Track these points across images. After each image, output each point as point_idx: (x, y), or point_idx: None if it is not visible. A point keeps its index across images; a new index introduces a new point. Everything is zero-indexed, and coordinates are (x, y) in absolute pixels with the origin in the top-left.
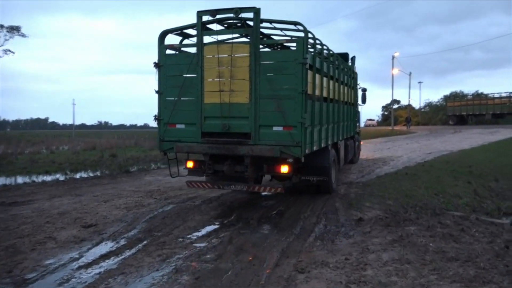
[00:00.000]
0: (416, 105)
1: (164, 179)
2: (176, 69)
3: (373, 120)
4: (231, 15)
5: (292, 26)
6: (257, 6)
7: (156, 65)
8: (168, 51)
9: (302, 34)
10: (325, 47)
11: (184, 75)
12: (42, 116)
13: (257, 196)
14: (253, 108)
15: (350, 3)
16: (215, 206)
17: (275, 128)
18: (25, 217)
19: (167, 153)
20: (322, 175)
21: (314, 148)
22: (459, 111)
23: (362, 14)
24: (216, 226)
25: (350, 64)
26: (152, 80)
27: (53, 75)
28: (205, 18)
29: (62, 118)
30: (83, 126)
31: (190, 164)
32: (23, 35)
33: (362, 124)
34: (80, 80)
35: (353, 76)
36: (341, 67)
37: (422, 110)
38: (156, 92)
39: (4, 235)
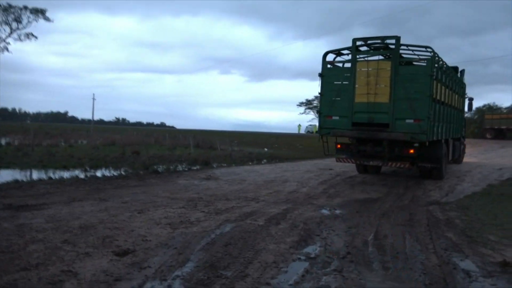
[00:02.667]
0: None
1: (201, 183)
2: (334, 78)
3: None
4: (378, 41)
5: (423, 48)
6: (398, 35)
7: (320, 75)
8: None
9: (429, 54)
10: (444, 63)
11: (340, 82)
12: (62, 110)
13: (331, 216)
14: (392, 106)
15: (368, 10)
16: (286, 229)
17: (407, 121)
18: (36, 230)
19: (323, 136)
20: (436, 163)
21: (434, 138)
22: (498, 124)
23: (379, 22)
24: (304, 263)
25: (459, 76)
26: (167, 81)
27: (72, 70)
28: (358, 43)
29: (81, 113)
30: (101, 122)
31: (338, 146)
32: (47, 19)
33: None
34: (98, 76)
35: (462, 86)
36: (453, 78)
37: None
38: (319, 93)
39: (2, 263)
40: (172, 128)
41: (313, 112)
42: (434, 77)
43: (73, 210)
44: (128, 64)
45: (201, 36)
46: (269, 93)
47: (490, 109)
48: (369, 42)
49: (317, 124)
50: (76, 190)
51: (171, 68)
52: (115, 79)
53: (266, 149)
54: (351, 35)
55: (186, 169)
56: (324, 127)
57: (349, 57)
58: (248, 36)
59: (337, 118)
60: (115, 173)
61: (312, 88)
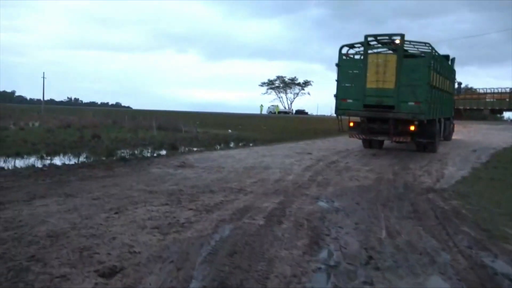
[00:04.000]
0: None
1: (177, 172)
2: (349, 67)
3: None
4: (386, 38)
5: (423, 44)
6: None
7: (337, 65)
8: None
9: (427, 49)
10: (438, 54)
11: (354, 71)
12: (8, 89)
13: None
14: (397, 91)
15: None
16: (291, 229)
17: (409, 103)
18: None
19: (339, 116)
20: (431, 138)
21: (430, 117)
22: (455, 104)
23: (334, 3)
24: (327, 275)
25: (450, 63)
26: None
27: (18, 47)
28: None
29: (29, 92)
30: (52, 101)
31: (351, 124)
32: None
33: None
34: (47, 53)
35: (452, 72)
36: (446, 67)
37: None
38: (336, 80)
39: None
40: (128, 108)
41: (275, 92)
42: (432, 67)
43: (36, 210)
44: (79, 41)
45: (154, 13)
46: (226, 72)
47: None
48: (378, 38)
49: (279, 104)
50: (35, 184)
51: (125, 46)
52: (66, 56)
53: (230, 131)
54: (306, 14)
55: (155, 155)
56: (340, 108)
57: (361, 50)
58: (202, 14)
59: (351, 101)
60: (77, 161)
61: (272, 68)
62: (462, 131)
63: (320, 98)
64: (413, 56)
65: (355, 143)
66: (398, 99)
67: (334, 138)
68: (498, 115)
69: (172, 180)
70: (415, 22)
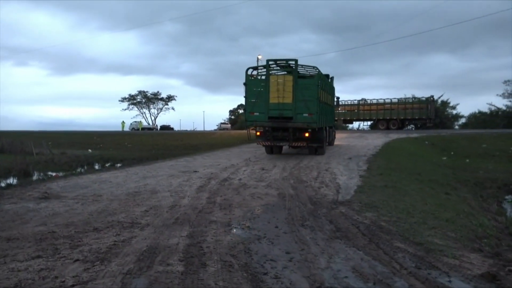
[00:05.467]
0: None
1: (40, 207)
2: (255, 86)
3: (227, 124)
4: (284, 62)
5: (311, 67)
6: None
7: (245, 84)
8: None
9: (315, 71)
10: (323, 75)
11: (259, 89)
12: None
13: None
14: (294, 105)
15: (177, 6)
16: (221, 272)
17: (304, 115)
18: None
19: (248, 127)
20: (320, 143)
21: (320, 125)
22: (343, 115)
23: (188, 19)
24: None
25: (330, 81)
26: None
27: None
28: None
29: None
30: None
31: (258, 133)
32: None
33: (215, 127)
34: None
35: (332, 89)
36: (328, 84)
37: None
38: (244, 97)
39: None
40: None
41: (138, 107)
42: (319, 86)
43: None
44: None
45: None
46: (78, 88)
47: None
48: (277, 62)
49: (142, 120)
50: None
51: None
52: None
53: (90, 150)
54: (160, 30)
55: (3, 186)
56: (249, 120)
57: (264, 72)
58: (45, 24)
59: (257, 114)
60: None
61: (128, 83)
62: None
63: (182, 113)
64: (305, 77)
65: (238, 157)
66: (295, 111)
67: (212, 153)
68: (347, 125)
69: (37, 219)
70: (265, 41)
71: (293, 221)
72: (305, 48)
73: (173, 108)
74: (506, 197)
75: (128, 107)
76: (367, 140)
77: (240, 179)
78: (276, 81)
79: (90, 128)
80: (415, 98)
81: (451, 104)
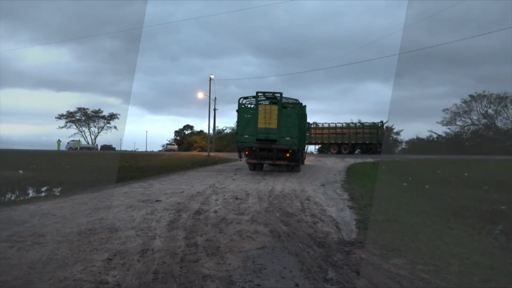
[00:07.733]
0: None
1: None
2: (245, 113)
3: (174, 144)
4: (271, 94)
5: (293, 99)
6: (281, 91)
7: (237, 111)
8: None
9: (296, 102)
10: (301, 104)
11: (249, 116)
12: None
13: None
14: (278, 130)
15: (114, 21)
16: None
17: (286, 138)
18: None
19: (239, 148)
20: (297, 162)
21: (298, 148)
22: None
23: (126, 34)
24: None
25: (304, 108)
26: None
27: None
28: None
29: None
30: None
31: (247, 152)
32: None
33: (161, 148)
34: None
35: (305, 116)
36: (303, 112)
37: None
38: (236, 122)
39: None
40: None
41: (76, 125)
42: (299, 115)
43: None
44: None
45: None
46: (6, 103)
47: None
48: (265, 94)
49: (81, 139)
50: None
51: None
52: None
53: (21, 172)
54: (97, 45)
55: None
56: (240, 142)
57: (253, 101)
58: None
59: (247, 136)
60: None
61: (64, 100)
62: None
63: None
64: (287, 107)
65: (201, 182)
66: (279, 135)
67: (168, 177)
68: None
69: None
70: (206, 62)
71: (310, 273)
72: (246, 70)
73: (115, 127)
74: (496, 231)
75: (66, 125)
76: (326, 164)
77: (215, 211)
78: (264, 110)
79: (23, 147)
80: (365, 123)
81: (395, 130)
